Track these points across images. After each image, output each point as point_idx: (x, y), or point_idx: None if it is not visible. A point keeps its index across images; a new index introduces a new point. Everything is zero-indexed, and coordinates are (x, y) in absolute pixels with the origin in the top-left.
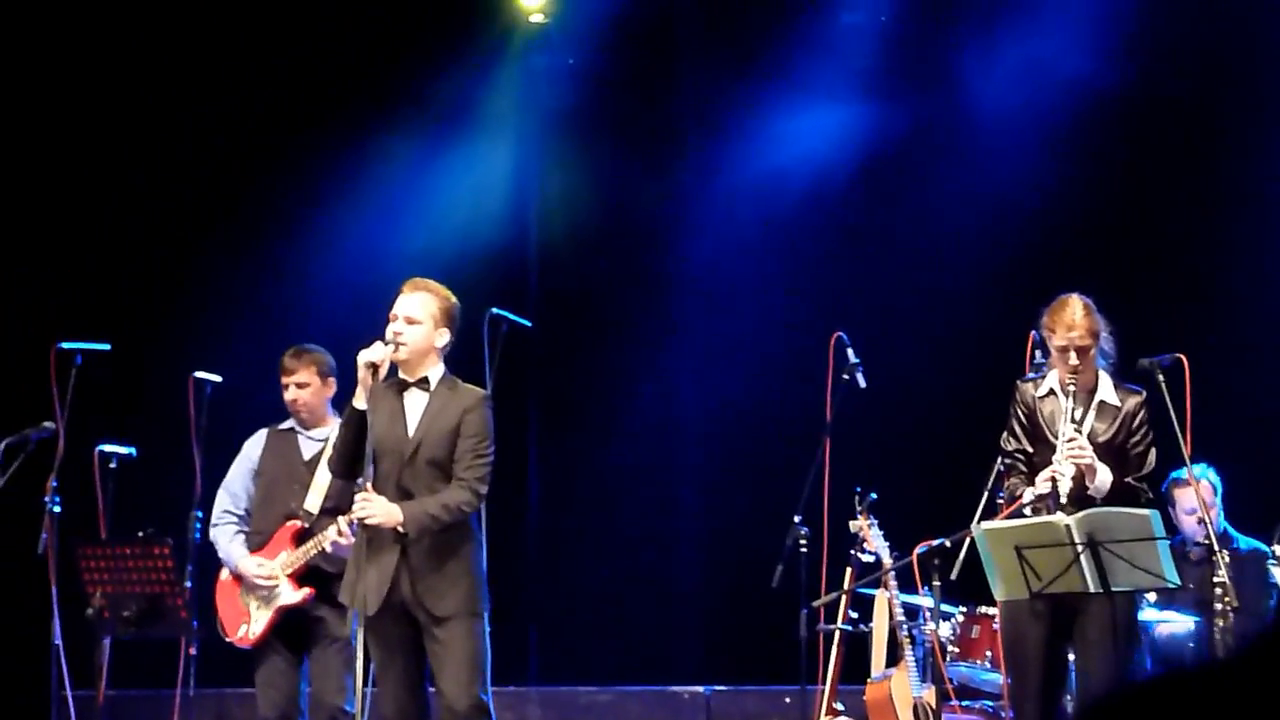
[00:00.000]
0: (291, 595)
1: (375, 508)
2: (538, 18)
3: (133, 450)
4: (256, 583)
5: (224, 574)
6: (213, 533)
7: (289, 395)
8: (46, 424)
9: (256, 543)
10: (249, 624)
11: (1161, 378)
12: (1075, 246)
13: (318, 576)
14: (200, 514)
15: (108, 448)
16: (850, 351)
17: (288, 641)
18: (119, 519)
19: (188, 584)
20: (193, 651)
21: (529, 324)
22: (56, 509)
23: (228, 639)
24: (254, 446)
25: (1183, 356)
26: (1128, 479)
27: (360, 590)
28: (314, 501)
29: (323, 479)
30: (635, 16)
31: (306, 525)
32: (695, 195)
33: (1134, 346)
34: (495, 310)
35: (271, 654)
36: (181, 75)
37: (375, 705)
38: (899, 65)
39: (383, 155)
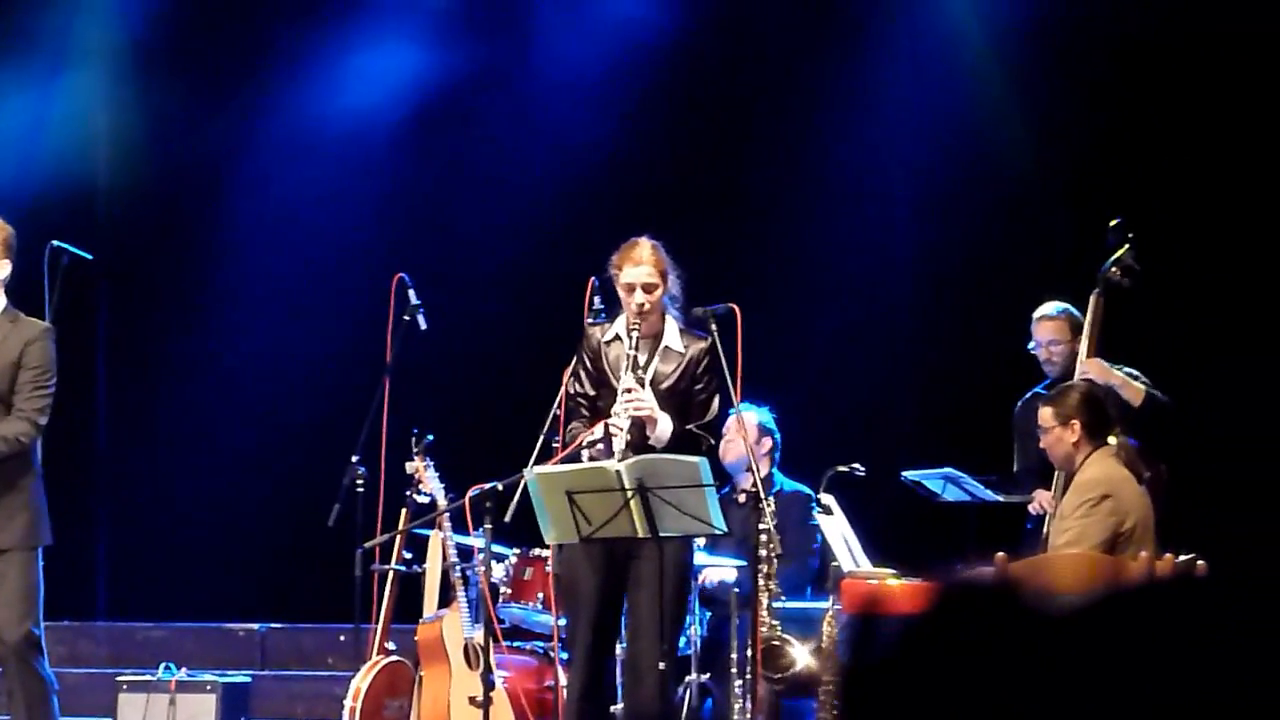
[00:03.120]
0: None
1: None
2: None
3: None
4: None
5: None
6: None
7: None
8: None
9: None
10: None
11: (714, 326)
12: (638, 194)
13: None
14: None
15: None
16: (412, 293)
17: None
18: None
19: None
20: None
21: (90, 257)
22: None
23: None
24: None
25: (735, 306)
26: (689, 426)
27: None
28: None
29: None
30: None
31: None
32: (266, 131)
33: (693, 295)
34: (55, 243)
35: None
36: None
37: None
38: (470, 8)
39: None
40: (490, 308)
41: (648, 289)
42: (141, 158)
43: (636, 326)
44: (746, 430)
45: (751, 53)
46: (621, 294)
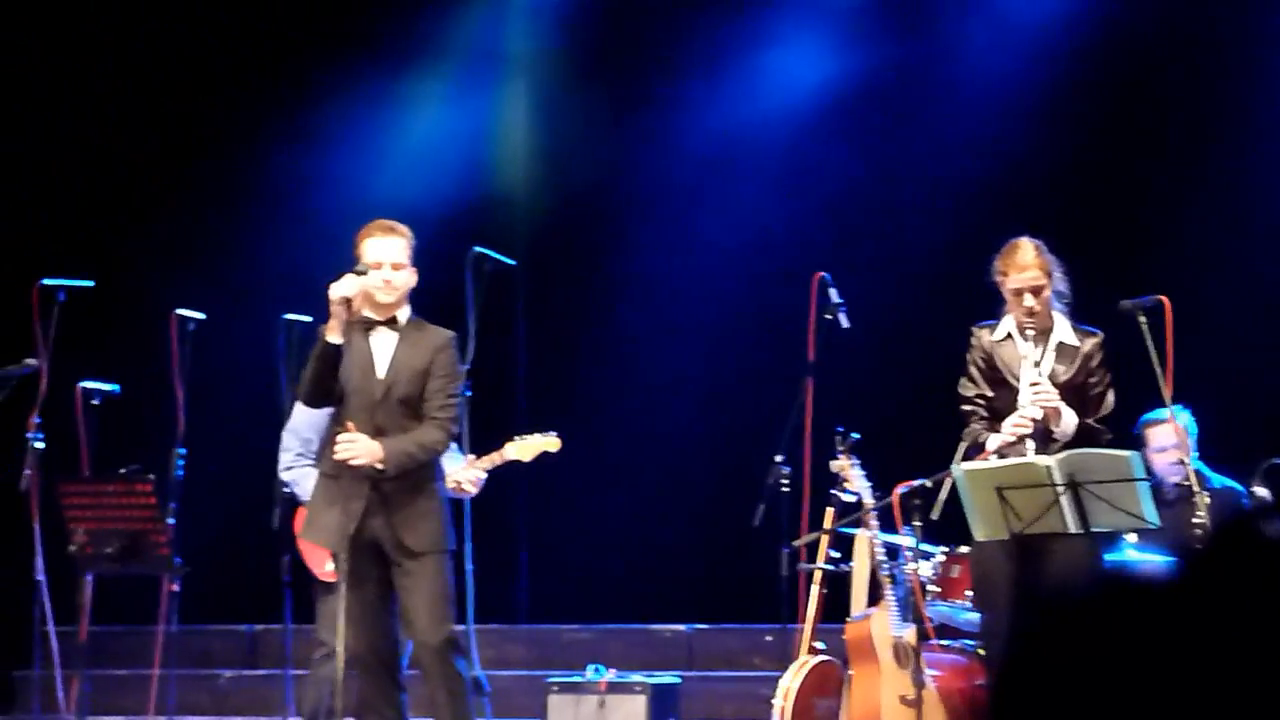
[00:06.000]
0: None
1: (359, 447)
2: None
3: (116, 387)
4: None
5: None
6: (288, 475)
7: None
8: (29, 360)
9: None
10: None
11: (1143, 319)
12: (1057, 189)
13: None
14: (184, 451)
15: (90, 384)
16: (833, 291)
17: None
18: (101, 456)
19: (170, 521)
20: (175, 588)
21: (513, 263)
22: (39, 445)
23: (314, 572)
24: None
25: (1164, 298)
26: (1088, 420)
27: (333, 528)
28: None
29: None
30: None
31: None
32: (679, 135)
33: (1113, 289)
34: (478, 249)
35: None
36: (163, 5)
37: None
38: (882, 6)
39: (366, 93)
40: (913, 304)
41: (1035, 291)
42: (559, 163)
43: (1030, 326)
44: (1177, 425)
45: (1168, 43)
46: (1009, 298)
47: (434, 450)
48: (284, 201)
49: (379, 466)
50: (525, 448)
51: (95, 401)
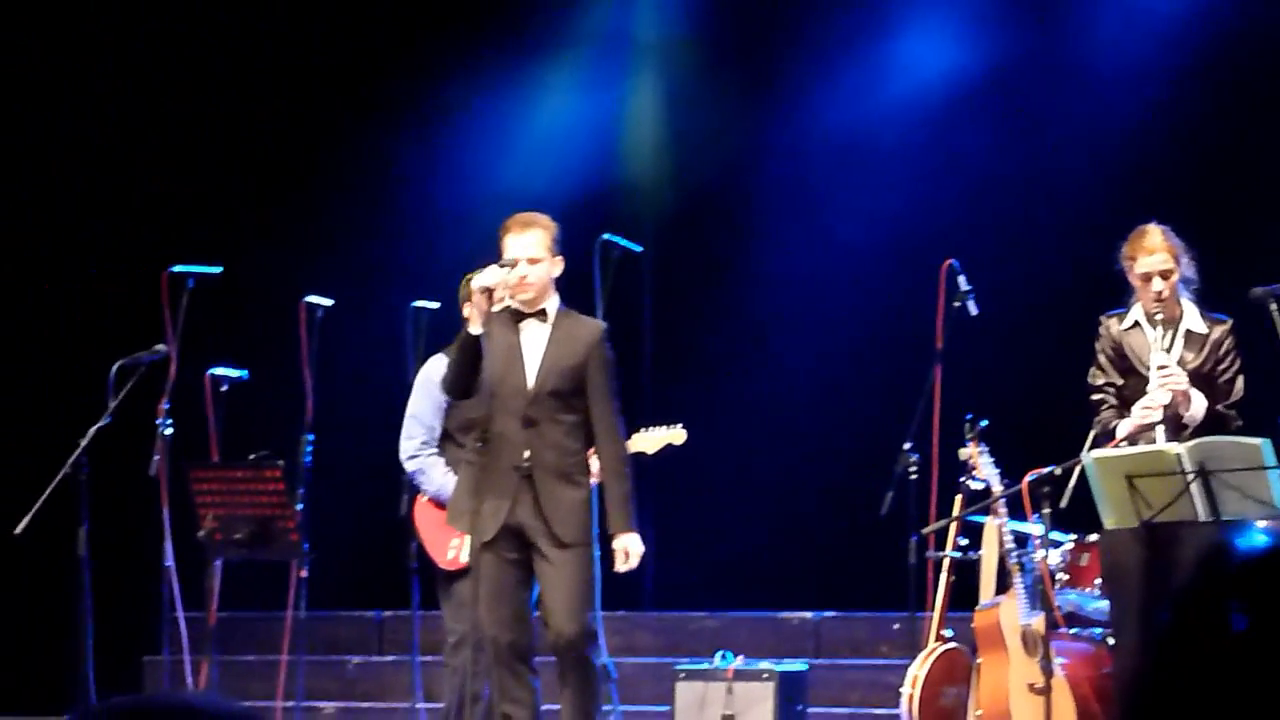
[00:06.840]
0: None
1: (633, 550)
2: None
3: (244, 373)
4: None
5: (424, 498)
6: (413, 464)
7: None
8: (159, 347)
9: None
10: (461, 548)
11: (1275, 307)
12: (1188, 176)
13: None
14: (312, 437)
15: (219, 371)
16: (962, 279)
17: None
18: (230, 442)
19: (299, 507)
20: (303, 574)
21: (639, 249)
22: (168, 431)
23: (436, 561)
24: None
25: None
26: (1218, 407)
27: (478, 516)
28: None
29: None
30: None
31: None
32: (808, 122)
33: (1245, 276)
34: (606, 236)
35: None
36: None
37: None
38: None
39: (496, 80)
40: (1042, 291)
41: (1164, 275)
42: (688, 150)
43: (1158, 311)
44: None
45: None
46: (1136, 284)
47: (627, 459)
48: (412, 189)
49: (638, 551)
50: (650, 440)
51: (224, 388)
